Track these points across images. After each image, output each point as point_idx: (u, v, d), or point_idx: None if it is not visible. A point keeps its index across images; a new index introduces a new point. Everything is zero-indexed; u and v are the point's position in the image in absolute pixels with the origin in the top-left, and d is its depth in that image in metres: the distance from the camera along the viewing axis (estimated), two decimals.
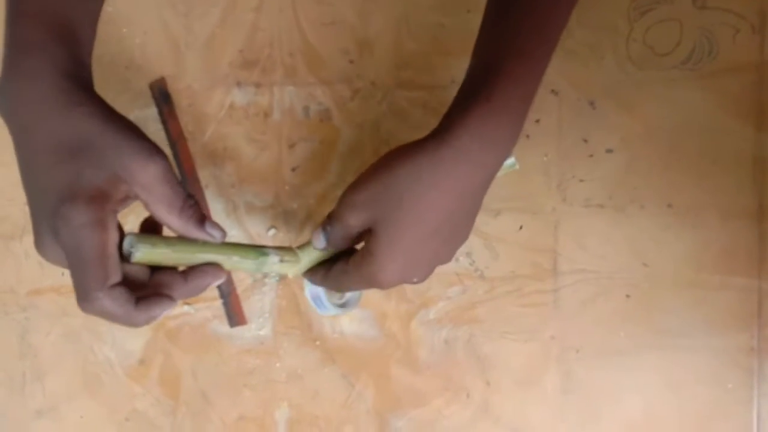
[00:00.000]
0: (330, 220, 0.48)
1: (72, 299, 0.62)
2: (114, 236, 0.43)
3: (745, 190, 0.56)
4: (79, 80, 0.44)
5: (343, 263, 0.48)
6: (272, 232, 0.61)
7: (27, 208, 0.64)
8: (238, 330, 0.62)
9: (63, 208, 0.41)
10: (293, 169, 0.61)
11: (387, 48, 0.60)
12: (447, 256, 0.48)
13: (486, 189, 0.46)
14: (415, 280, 0.47)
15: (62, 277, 0.64)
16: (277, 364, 0.61)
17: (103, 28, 0.62)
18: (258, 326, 0.62)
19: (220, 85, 0.62)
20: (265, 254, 0.49)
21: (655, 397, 0.57)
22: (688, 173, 0.56)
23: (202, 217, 0.46)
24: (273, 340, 0.61)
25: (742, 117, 0.56)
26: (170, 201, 0.44)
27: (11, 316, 0.64)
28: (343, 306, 0.57)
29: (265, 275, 0.61)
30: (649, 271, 0.57)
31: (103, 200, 0.42)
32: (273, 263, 0.49)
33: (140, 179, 0.43)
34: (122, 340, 0.63)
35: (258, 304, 0.61)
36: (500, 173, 0.49)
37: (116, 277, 0.42)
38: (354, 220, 0.46)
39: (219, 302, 0.62)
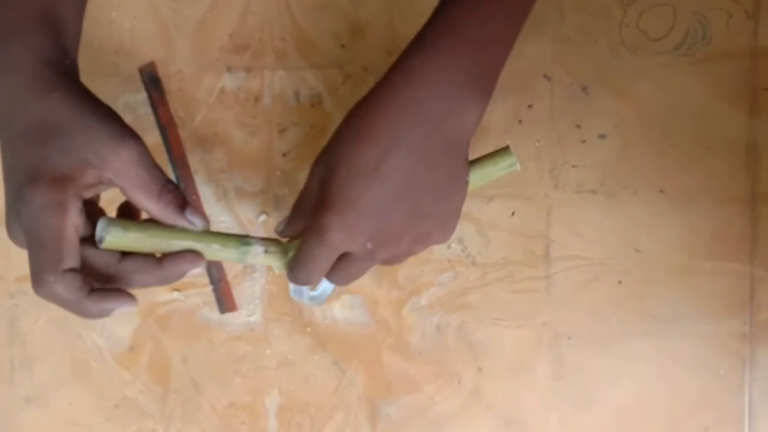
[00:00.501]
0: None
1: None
2: (74, 220, 0.42)
3: (738, 175, 0.56)
4: (59, 68, 0.44)
5: (300, 241, 0.46)
6: (263, 217, 0.61)
7: None
8: (229, 316, 0.61)
9: (25, 190, 0.41)
10: (284, 155, 0.61)
11: (379, 33, 0.59)
12: (403, 223, 0.44)
13: (449, 152, 0.44)
14: (369, 245, 0.44)
15: None
16: (268, 351, 0.61)
17: (92, 13, 0.62)
18: (248, 312, 0.61)
19: (211, 69, 0.61)
20: (248, 244, 0.47)
21: (647, 383, 0.57)
22: (681, 159, 0.56)
23: (182, 203, 0.45)
24: (263, 326, 0.61)
25: (735, 102, 0.56)
26: (147, 185, 0.44)
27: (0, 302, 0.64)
28: (313, 298, 0.57)
29: (252, 266, 0.60)
30: (641, 257, 0.57)
31: (66, 183, 0.42)
32: (257, 254, 0.47)
33: (113, 164, 0.43)
34: (111, 327, 0.63)
35: (248, 290, 0.61)
36: (500, 173, 0.49)
37: (71, 262, 0.42)
38: (314, 178, 0.45)
39: (209, 288, 0.61)
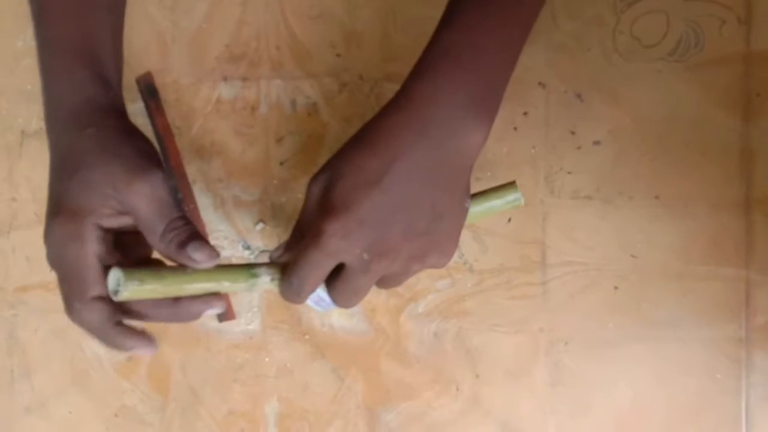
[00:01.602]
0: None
1: (60, 295, 0.62)
2: (93, 248, 0.44)
3: (733, 181, 0.56)
4: (97, 103, 0.47)
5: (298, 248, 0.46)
6: (260, 226, 0.61)
7: (12, 204, 0.64)
8: (227, 325, 0.62)
9: (48, 222, 0.44)
10: (281, 163, 0.61)
11: (375, 41, 0.60)
12: (404, 239, 0.44)
13: (450, 174, 0.44)
14: (365, 256, 0.43)
15: (50, 273, 0.63)
16: (267, 359, 0.61)
17: None
18: (247, 321, 0.61)
19: (207, 79, 0.61)
20: (255, 276, 0.47)
21: (644, 388, 0.57)
22: (676, 165, 0.57)
23: (184, 241, 0.45)
24: (262, 334, 0.61)
25: (729, 108, 0.56)
26: (152, 222, 0.45)
27: None
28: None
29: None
30: (637, 263, 0.57)
31: (84, 215, 0.44)
32: (264, 283, 0.47)
33: (127, 197, 0.44)
34: None
35: (247, 298, 0.61)
36: (504, 207, 0.50)
37: (97, 290, 0.43)
38: (314, 190, 0.45)
39: None
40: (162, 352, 0.62)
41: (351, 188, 0.43)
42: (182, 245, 0.45)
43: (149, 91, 0.62)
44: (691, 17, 0.56)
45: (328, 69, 0.60)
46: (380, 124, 0.44)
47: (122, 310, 0.46)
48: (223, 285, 0.46)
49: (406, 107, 0.44)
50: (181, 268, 0.45)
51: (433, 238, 0.45)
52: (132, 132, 0.48)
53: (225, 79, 0.61)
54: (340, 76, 0.60)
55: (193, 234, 0.45)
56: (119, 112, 0.49)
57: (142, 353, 0.46)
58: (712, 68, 0.56)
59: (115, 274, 0.43)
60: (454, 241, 0.46)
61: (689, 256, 0.56)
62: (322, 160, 0.59)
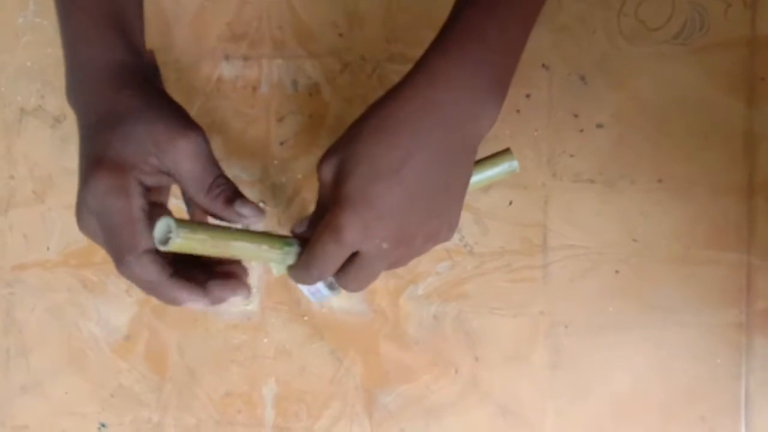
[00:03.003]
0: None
1: (57, 274, 0.62)
2: (138, 202, 0.44)
3: (736, 165, 0.56)
4: (132, 68, 0.47)
5: (312, 237, 0.45)
6: (260, 206, 0.61)
7: (10, 182, 0.63)
8: (225, 305, 0.61)
9: (89, 177, 0.43)
10: (282, 143, 0.61)
11: (377, 21, 0.59)
12: (418, 224, 0.44)
13: (464, 155, 0.44)
14: (384, 245, 0.43)
15: (47, 251, 0.63)
16: (265, 340, 0.61)
17: None
18: (245, 301, 0.61)
19: (208, 58, 0.61)
20: (290, 245, 0.46)
21: (644, 372, 0.57)
22: (679, 148, 0.56)
23: (231, 197, 0.46)
24: (260, 315, 0.61)
25: (733, 92, 0.56)
26: (198, 178, 0.45)
27: None
28: (331, 287, 0.56)
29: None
30: (638, 247, 0.57)
31: (127, 169, 0.43)
32: (295, 253, 0.47)
33: (170, 154, 0.44)
34: (107, 316, 0.63)
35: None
36: (500, 175, 0.50)
37: (149, 243, 0.43)
38: (326, 173, 0.44)
39: None
40: (159, 332, 0.62)
41: (369, 180, 0.42)
42: (230, 201, 0.45)
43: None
44: (696, 0, 0.56)
45: (330, 49, 0.60)
46: (399, 108, 0.43)
47: (145, 285, 0.45)
48: (262, 248, 0.46)
49: (426, 89, 0.42)
50: (224, 227, 0.45)
51: (446, 216, 0.45)
52: (167, 95, 0.48)
53: (226, 58, 0.61)
54: (342, 56, 0.60)
55: (238, 191, 0.46)
56: (150, 79, 0.49)
57: (197, 306, 0.46)
58: (716, 52, 0.56)
59: (165, 222, 0.42)
60: (459, 214, 0.46)
61: (691, 241, 0.56)
62: (323, 141, 0.59)
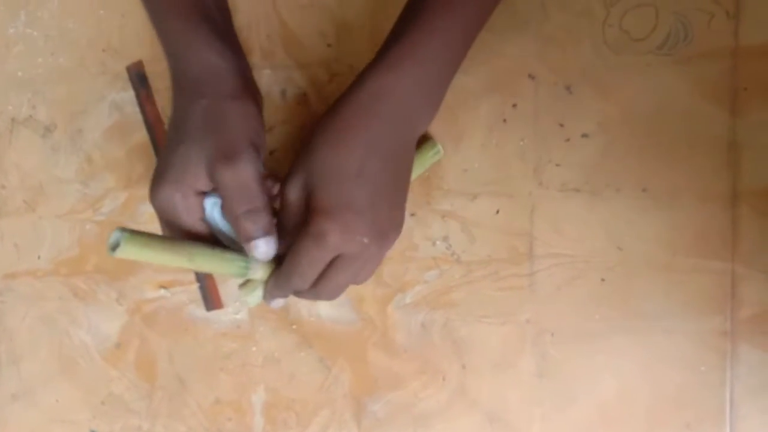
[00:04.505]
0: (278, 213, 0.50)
1: (48, 282, 0.62)
2: (197, 211, 0.50)
3: (720, 174, 0.56)
4: (213, 67, 0.51)
5: (293, 248, 0.49)
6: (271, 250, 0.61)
7: (1, 191, 0.64)
8: (215, 314, 0.62)
9: (154, 187, 0.49)
10: (271, 153, 0.61)
11: (365, 32, 0.60)
12: (387, 213, 0.49)
13: (407, 152, 0.50)
14: (365, 240, 0.47)
15: (38, 260, 0.63)
16: (254, 348, 0.61)
17: (81, 10, 0.62)
18: (234, 310, 0.61)
19: None
20: (249, 260, 0.50)
21: (630, 379, 0.57)
22: (664, 157, 0.57)
23: (251, 236, 0.48)
24: (249, 323, 0.61)
25: (717, 102, 0.56)
26: (230, 206, 0.48)
27: None
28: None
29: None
30: (624, 255, 0.57)
31: (185, 186, 0.49)
32: (259, 268, 0.51)
33: (214, 179, 0.48)
34: (98, 324, 0.63)
35: (235, 288, 0.61)
36: (429, 162, 0.57)
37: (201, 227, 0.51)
38: (292, 193, 0.49)
39: (195, 286, 0.62)
40: (149, 340, 0.62)
41: (338, 184, 0.47)
42: (248, 240, 0.48)
43: (140, 79, 0.62)
44: (680, 11, 0.56)
45: (318, 59, 0.60)
46: (349, 120, 0.48)
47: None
48: (222, 261, 0.50)
49: (374, 102, 0.48)
50: (181, 241, 0.49)
51: (402, 207, 0.51)
52: (244, 104, 0.50)
53: None
54: (331, 66, 0.60)
55: (263, 228, 0.48)
56: (239, 76, 0.52)
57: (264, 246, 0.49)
58: (700, 62, 0.56)
59: (116, 233, 0.45)
60: (399, 195, 0.51)
61: (676, 249, 0.57)
62: None
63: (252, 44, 0.61)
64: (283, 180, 0.49)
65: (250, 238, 0.48)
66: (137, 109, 0.62)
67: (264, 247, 0.48)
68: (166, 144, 0.51)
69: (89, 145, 0.63)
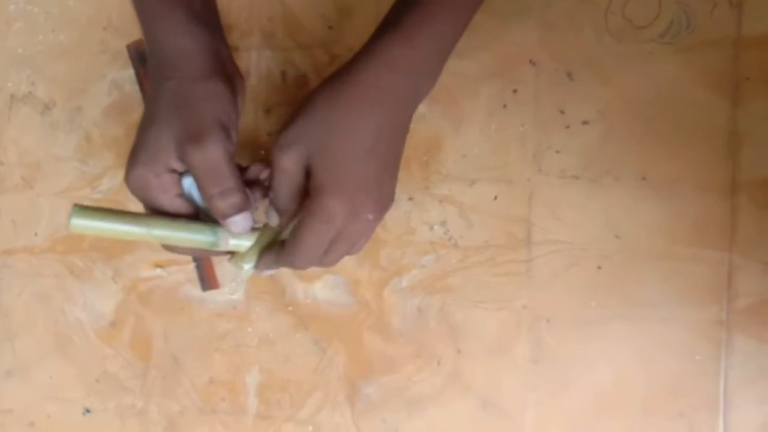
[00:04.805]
0: (271, 181, 0.49)
1: (44, 259, 0.62)
2: (174, 189, 0.50)
3: (720, 163, 0.56)
4: (185, 48, 0.50)
5: (295, 225, 0.48)
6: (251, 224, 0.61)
7: (0, 168, 0.64)
8: (211, 294, 0.62)
9: (129, 169, 0.49)
10: (269, 134, 0.61)
11: (366, 14, 0.59)
12: (389, 187, 0.49)
13: (408, 123, 0.49)
14: (370, 216, 0.47)
15: (35, 237, 0.63)
16: (249, 329, 0.61)
17: None
18: (230, 290, 0.61)
19: None
20: (216, 230, 0.50)
21: (625, 367, 0.57)
22: (664, 146, 0.57)
23: (228, 213, 0.48)
24: (245, 304, 0.61)
25: (718, 91, 0.56)
26: (203, 186, 0.48)
27: None
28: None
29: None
30: (621, 243, 0.57)
31: (158, 167, 0.48)
32: (228, 237, 0.50)
33: (185, 159, 0.48)
34: (93, 302, 0.63)
35: (231, 268, 0.61)
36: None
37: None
38: (289, 162, 0.47)
39: (192, 266, 0.62)
40: (144, 319, 0.62)
41: (348, 163, 0.46)
42: (224, 218, 0.49)
43: (140, 58, 0.61)
44: (682, 0, 0.56)
45: (319, 41, 0.60)
46: (358, 93, 0.46)
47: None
48: (189, 232, 0.49)
49: (383, 73, 0.47)
50: (140, 214, 0.49)
51: (391, 168, 0.50)
52: (214, 85, 0.49)
53: None
54: (331, 48, 0.60)
55: (236, 207, 0.48)
56: (211, 57, 0.50)
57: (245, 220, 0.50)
58: (702, 51, 0.56)
59: (73, 209, 0.46)
60: (397, 168, 0.51)
61: (673, 238, 0.57)
62: None
63: (253, 26, 0.60)
64: (276, 142, 0.48)
65: (226, 216, 0.48)
66: (137, 88, 0.62)
67: (242, 223, 0.49)
68: (140, 125, 0.51)
69: (88, 123, 0.63)
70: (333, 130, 0.46)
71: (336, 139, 0.46)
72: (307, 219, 0.46)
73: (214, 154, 0.47)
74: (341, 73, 0.47)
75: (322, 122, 0.46)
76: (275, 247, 0.50)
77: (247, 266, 0.51)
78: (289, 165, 0.47)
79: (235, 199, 0.48)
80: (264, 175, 0.53)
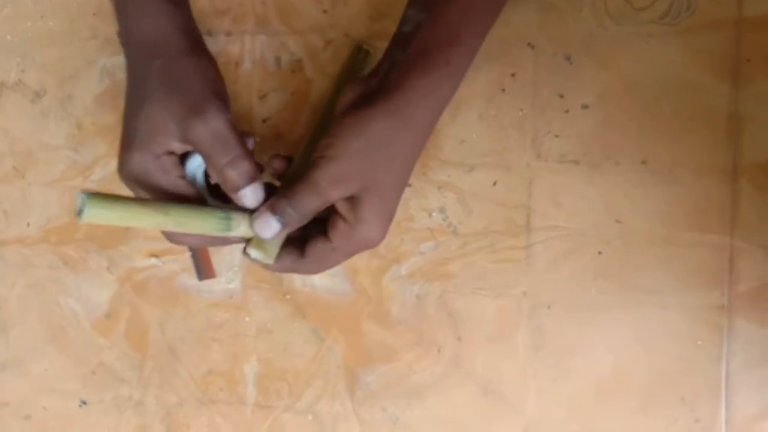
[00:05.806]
0: (294, 197, 0.47)
1: (37, 250, 0.61)
2: (175, 173, 0.49)
3: (720, 147, 0.56)
4: (165, 28, 0.50)
5: (323, 241, 0.49)
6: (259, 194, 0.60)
7: None
8: (207, 283, 0.61)
9: (123, 156, 0.49)
10: (264, 121, 0.60)
11: None
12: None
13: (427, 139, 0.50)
14: (383, 236, 0.49)
15: (27, 228, 0.62)
16: (247, 318, 0.61)
17: None
18: (227, 279, 0.61)
19: None
20: (230, 216, 0.48)
21: (626, 353, 0.57)
22: (664, 130, 0.56)
23: (239, 186, 0.47)
24: (242, 293, 0.61)
25: (718, 74, 0.55)
26: (211, 159, 0.47)
27: None
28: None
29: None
30: (622, 228, 0.57)
31: (155, 149, 0.48)
32: (244, 223, 0.48)
33: (186, 135, 0.47)
34: (88, 293, 0.62)
35: (227, 257, 0.61)
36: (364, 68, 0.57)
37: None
38: (337, 195, 0.47)
39: (187, 255, 0.61)
40: (140, 309, 0.62)
41: (389, 199, 0.48)
42: (235, 190, 0.48)
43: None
44: None
45: (313, 25, 0.59)
46: (402, 130, 0.47)
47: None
48: (203, 218, 0.47)
49: (430, 117, 0.49)
50: (156, 201, 0.47)
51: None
52: (199, 59, 0.50)
53: (209, 33, 0.60)
54: (326, 32, 0.59)
55: (248, 175, 0.48)
56: (188, 34, 0.50)
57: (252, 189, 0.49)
58: (703, 33, 0.55)
59: (80, 196, 0.42)
60: None
61: (674, 222, 0.56)
62: (305, 118, 0.59)
63: (246, 10, 0.59)
64: (325, 171, 0.46)
65: (237, 188, 0.47)
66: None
67: (251, 196, 0.48)
68: (125, 113, 0.50)
69: (79, 111, 0.62)
70: (389, 171, 0.47)
71: (390, 180, 0.48)
72: (344, 244, 0.48)
73: (218, 124, 0.47)
74: (397, 108, 0.47)
75: (380, 163, 0.47)
76: (295, 252, 0.50)
77: (265, 260, 0.49)
78: (336, 197, 0.47)
79: (246, 165, 0.47)
80: (251, 144, 0.52)
